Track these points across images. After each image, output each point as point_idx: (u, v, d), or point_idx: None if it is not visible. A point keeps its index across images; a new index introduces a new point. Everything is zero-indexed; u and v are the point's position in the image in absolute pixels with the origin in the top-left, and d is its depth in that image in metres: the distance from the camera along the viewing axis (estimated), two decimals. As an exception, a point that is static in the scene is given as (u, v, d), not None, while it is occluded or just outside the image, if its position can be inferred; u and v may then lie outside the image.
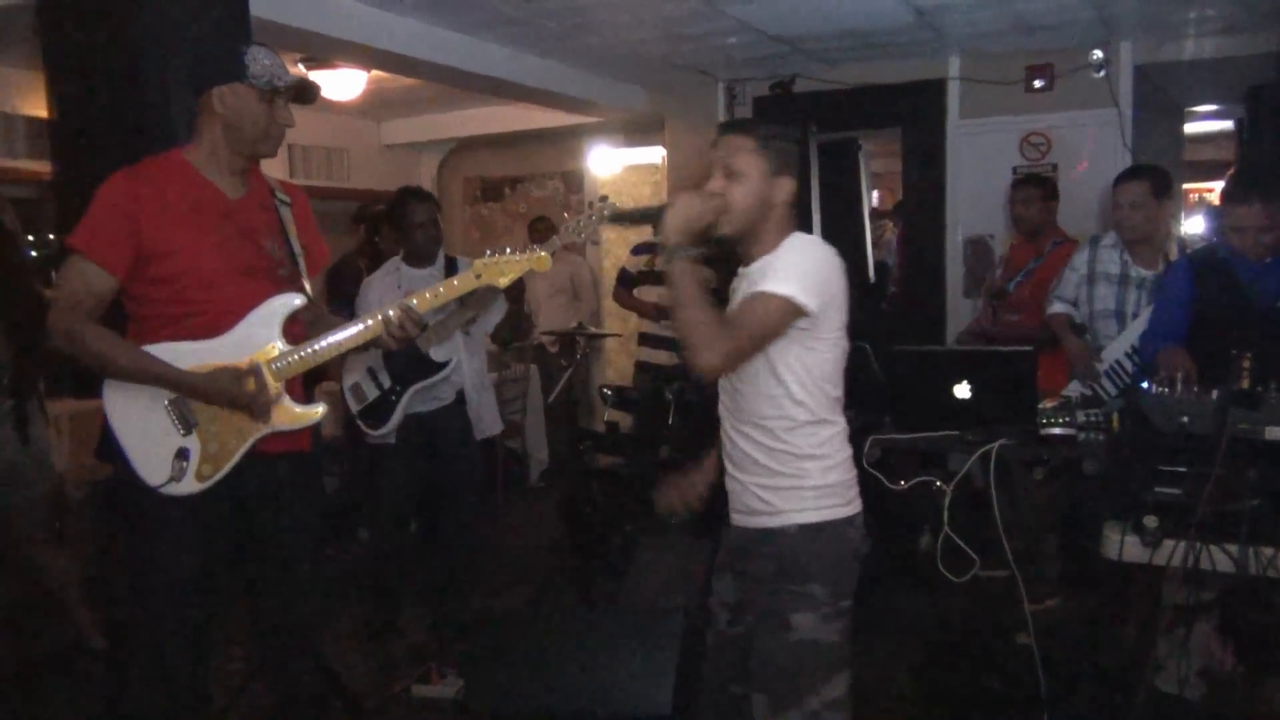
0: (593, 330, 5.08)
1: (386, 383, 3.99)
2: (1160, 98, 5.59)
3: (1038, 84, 5.73)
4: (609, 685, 3.01)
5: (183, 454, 2.43)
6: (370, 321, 2.48)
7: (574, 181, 8.35)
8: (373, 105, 7.25)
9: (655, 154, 7.69)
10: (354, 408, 4.02)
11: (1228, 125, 6.84)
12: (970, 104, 5.98)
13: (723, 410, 2.28)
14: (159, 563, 2.49)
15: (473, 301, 4.05)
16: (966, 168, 6.04)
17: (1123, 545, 2.50)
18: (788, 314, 2.02)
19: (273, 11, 4.20)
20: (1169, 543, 2.44)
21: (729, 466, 2.28)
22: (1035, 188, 4.77)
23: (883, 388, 2.90)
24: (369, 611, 4.33)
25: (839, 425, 2.21)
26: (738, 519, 2.26)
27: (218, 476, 2.45)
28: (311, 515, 2.70)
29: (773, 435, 2.15)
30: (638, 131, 7.49)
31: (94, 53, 3.10)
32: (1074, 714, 2.80)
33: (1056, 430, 2.87)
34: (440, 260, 4.18)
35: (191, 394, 2.41)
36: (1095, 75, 5.54)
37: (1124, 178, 3.77)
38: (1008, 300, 4.59)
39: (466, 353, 4.11)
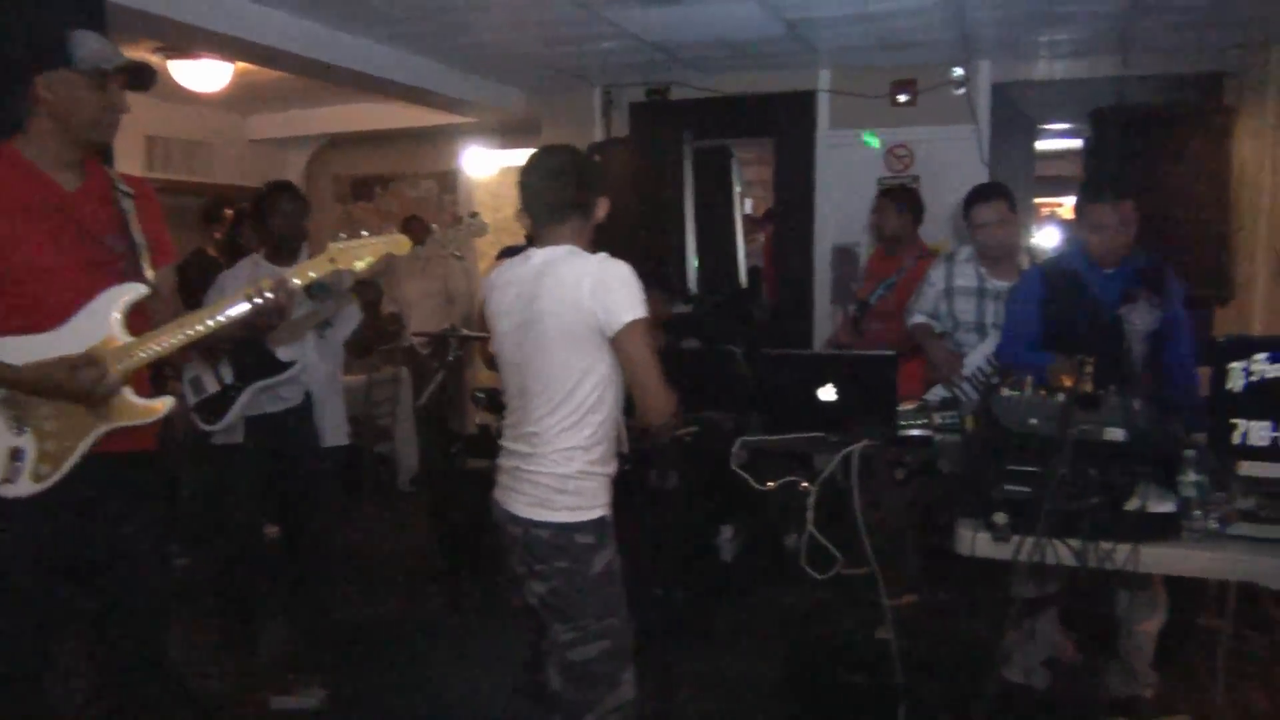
0: (465, 332, 5.01)
1: (228, 378, 3.85)
2: (1015, 115, 5.87)
3: (902, 98, 5.94)
4: (476, 693, 2.99)
5: (17, 454, 2.31)
6: (221, 309, 2.39)
7: (448, 182, 8.24)
8: (238, 98, 6.98)
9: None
10: (190, 400, 3.86)
11: (1076, 143, 7.24)
12: (839, 115, 6.16)
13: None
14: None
15: (327, 304, 3.95)
16: (835, 178, 6.21)
17: (974, 541, 2.60)
18: None
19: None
20: (1017, 538, 2.54)
21: None
22: (898, 200, 4.91)
23: (749, 390, 2.95)
24: (226, 621, 4.17)
25: None
26: None
27: (56, 477, 2.33)
28: (157, 518, 2.60)
29: None
30: (514, 133, 7.45)
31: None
32: (928, 704, 2.90)
33: (915, 432, 2.98)
34: (303, 258, 4.05)
35: (19, 387, 2.29)
36: (956, 92, 5.78)
37: (982, 197, 3.90)
38: (870, 312, 4.73)
39: (317, 355, 3.99)
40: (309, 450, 4.00)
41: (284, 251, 3.97)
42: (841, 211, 6.18)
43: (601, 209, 2.55)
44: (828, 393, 2.94)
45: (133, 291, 2.39)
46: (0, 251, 2.28)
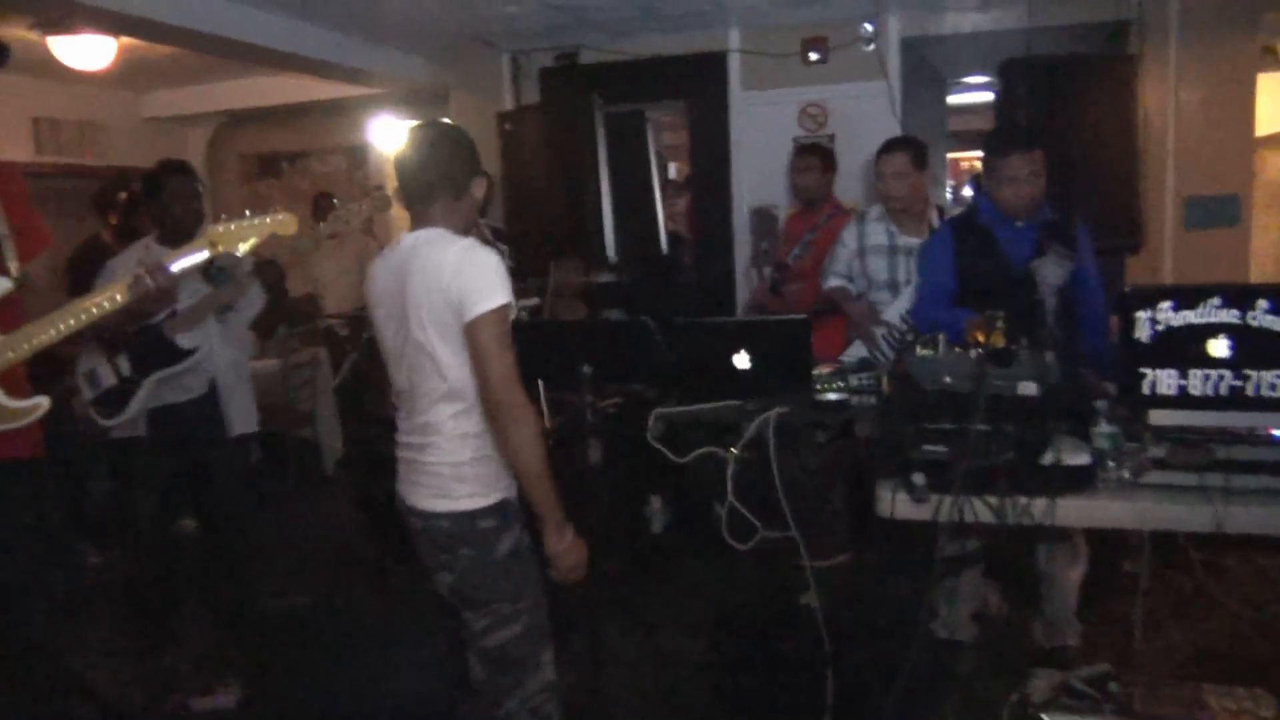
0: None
1: (126, 370, 3.67)
2: (925, 70, 5.86)
3: (813, 57, 5.89)
4: (399, 682, 2.91)
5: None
6: (100, 297, 2.25)
7: (358, 156, 8.01)
8: (131, 75, 6.69)
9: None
10: (87, 395, 3.68)
11: (988, 97, 7.27)
12: (751, 76, 6.09)
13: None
14: None
15: (226, 288, 3.79)
16: (750, 139, 6.16)
17: (894, 502, 2.58)
18: None
19: None
20: (936, 498, 2.52)
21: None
22: (813, 157, 4.86)
23: (667, 362, 2.88)
24: (141, 621, 4.01)
25: None
26: None
27: None
28: (35, 528, 2.45)
29: None
30: (424, 104, 7.24)
31: None
32: (856, 667, 2.89)
33: (832, 396, 2.94)
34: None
35: None
36: (866, 49, 5.75)
37: (885, 149, 3.91)
38: (789, 272, 4.69)
39: (220, 341, 3.84)
40: (216, 440, 3.87)
41: (178, 234, 3.80)
42: (758, 173, 6.13)
43: (478, 189, 2.42)
44: (742, 360, 2.89)
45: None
46: None
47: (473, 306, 2.22)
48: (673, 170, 8.51)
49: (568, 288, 5.22)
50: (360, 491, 4.80)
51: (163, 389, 3.71)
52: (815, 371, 2.99)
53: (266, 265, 3.76)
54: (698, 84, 6.18)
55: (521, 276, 6.13)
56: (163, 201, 3.75)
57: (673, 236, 6.61)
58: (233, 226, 2.36)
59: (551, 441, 3.41)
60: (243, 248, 2.38)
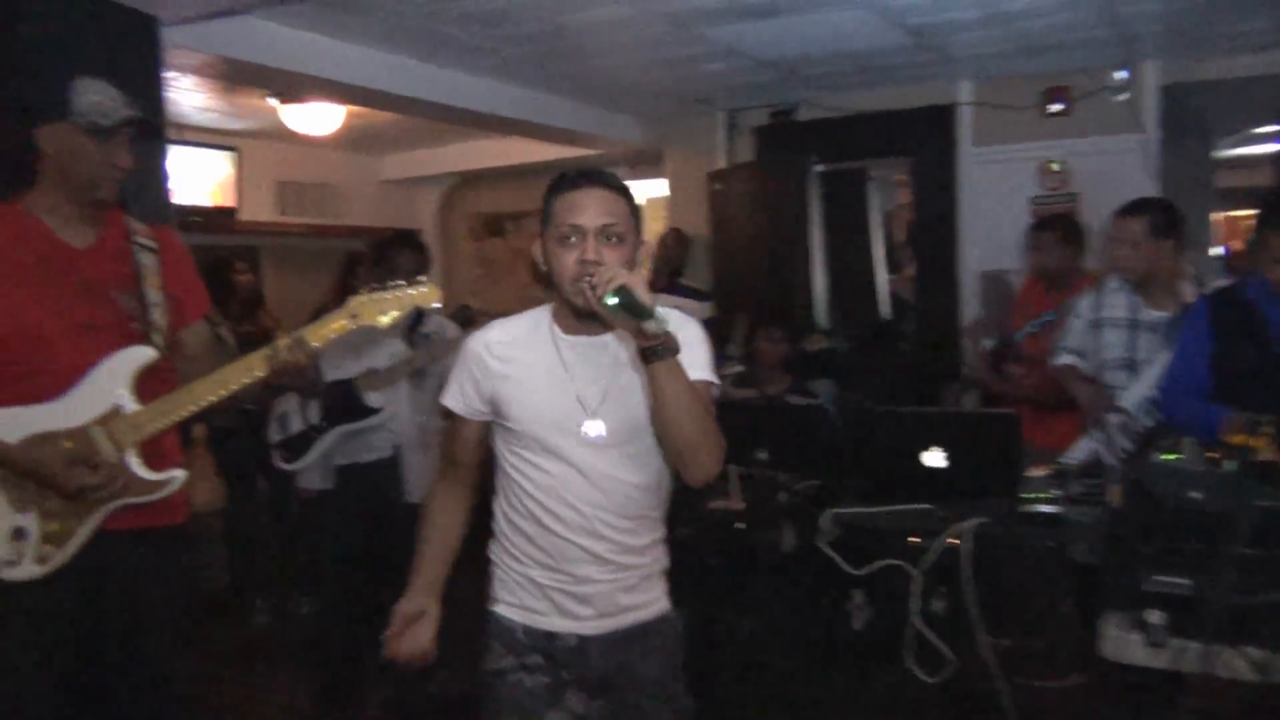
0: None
1: (314, 418, 3.72)
2: (1189, 121, 5.16)
3: (1054, 108, 5.33)
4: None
5: (20, 533, 2.15)
6: (239, 369, 2.19)
7: (578, 216, 8.03)
8: (369, 139, 7.03)
9: (661, 187, 7.35)
10: (275, 436, 3.76)
11: (1265, 149, 6.38)
12: (983, 130, 5.59)
13: (577, 509, 1.94)
14: (5, 661, 2.19)
15: (423, 351, 3.77)
16: (980, 198, 5.64)
17: (1123, 644, 2.11)
18: None
19: (237, 49, 3.99)
20: (1178, 643, 2.03)
21: (578, 568, 1.95)
22: (1052, 231, 4.20)
23: (844, 452, 2.52)
24: (325, 677, 3.99)
25: None
26: (599, 623, 1.97)
27: (60, 559, 2.16)
28: (180, 600, 2.39)
29: (656, 523, 2.01)
30: (642, 164, 7.18)
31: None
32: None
33: (1044, 507, 2.46)
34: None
35: (12, 466, 2.12)
36: (1117, 98, 5.13)
37: (1121, 213, 3.36)
38: (1014, 349, 4.14)
39: (410, 406, 3.82)
40: (395, 505, 3.82)
41: None
42: (990, 235, 5.59)
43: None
44: (935, 457, 2.48)
45: (140, 357, 2.21)
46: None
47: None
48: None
49: (772, 356, 4.90)
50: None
51: (348, 444, 3.75)
52: (1028, 474, 2.52)
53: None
54: (923, 140, 5.74)
55: (724, 342, 5.89)
56: (390, 271, 3.77)
57: (896, 301, 6.16)
58: (375, 297, 2.24)
59: (744, 524, 3.08)
60: (384, 320, 2.25)
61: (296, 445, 3.74)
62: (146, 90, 3.12)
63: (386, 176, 7.84)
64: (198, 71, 4.44)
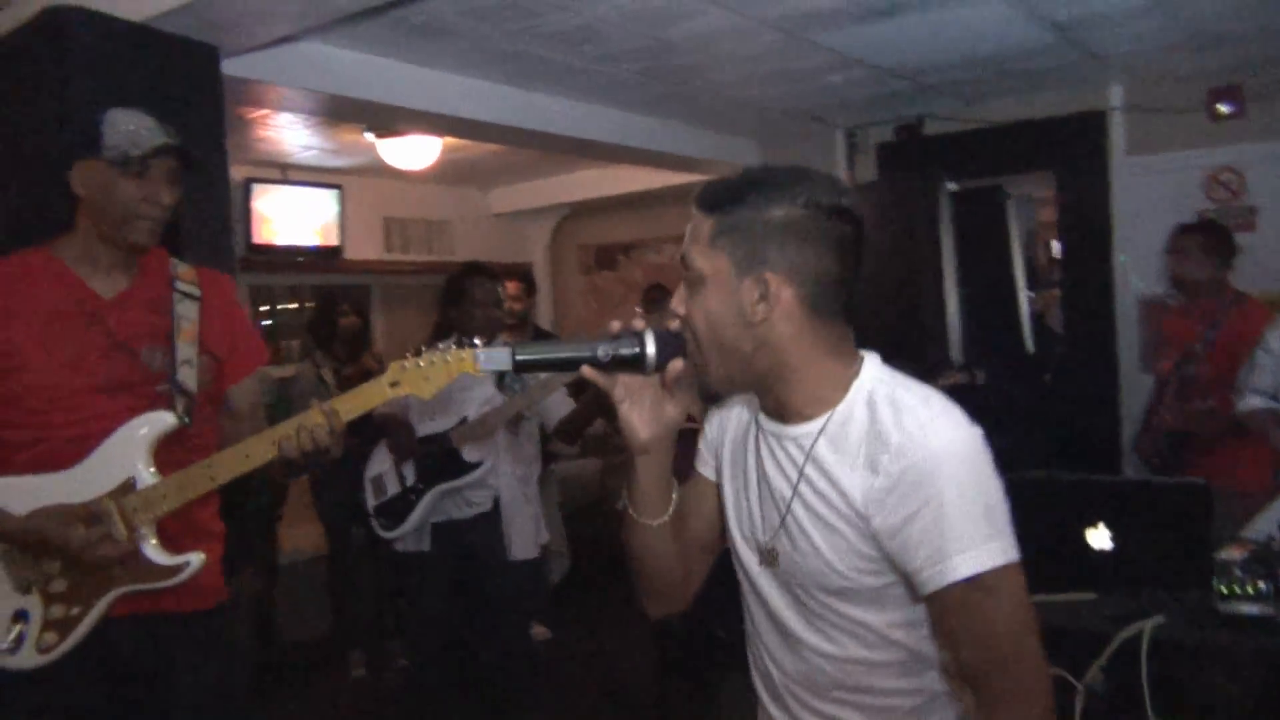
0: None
1: (410, 479, 3.49)
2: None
3: (1224, 110, 4.68)
4: None
5: (21, 616, 1.91)
6: (259, 444, 1.90)
7: (693, 245, 7.69)
8: (476, 173, 6.86)
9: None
10: (370, 503, 3.56)
11: None
12: (1139, 138, 4.97)
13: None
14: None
15: (517, 397, 3.49)
16: (1137, 214, 5.01)
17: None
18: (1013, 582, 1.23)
19: (330, 84, 3.83)
20: None
21: None
22: (1193, 236, 3.83)
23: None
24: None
25: None
26: None
27: (64, 648, 1.91)
28: (216, 690, 2.10)
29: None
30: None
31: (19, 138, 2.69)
32: None
33: (1244, 607, 1.93)
34: (497, 344, 3.61)
35: (15, 540, 1.89)
36: (1301, 95, 4.48)
37: None
38: (1189, 386, 3.59)
39: (508, 456, 3.55)
40: (494, 564, 3.54)
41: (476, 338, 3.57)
42: (1149, 256, 4.95)
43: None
44: (1100, 537, 1.99)
45: (159, 424, 1.95)
46: (13, 373, 1.92)
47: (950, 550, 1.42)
48: (1057, 249, 7.36)
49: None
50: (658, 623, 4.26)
51: (445, 502, 3.52)
52: (1220, 555, 2.00)
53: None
54: (1069, 151, 5.16)
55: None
56: (465, 303, 3.60)
57: (1039, 330, 5.57)
58: (420, 364, 1.91)
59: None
60: (427, 391, 1.93)
61: (395, 510, 3.53)
62: (210, 125, 2.92)
63: (495, 210, 7.66)
64: (288, 108, 4.29)
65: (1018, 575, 1.21)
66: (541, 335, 5.63)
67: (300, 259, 6.15)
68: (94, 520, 1.86)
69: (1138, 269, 5.02)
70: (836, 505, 1.27)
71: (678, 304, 1.34)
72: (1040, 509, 2.12)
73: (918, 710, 1.33)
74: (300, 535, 5.46)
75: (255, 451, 1.90)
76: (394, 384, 1.92)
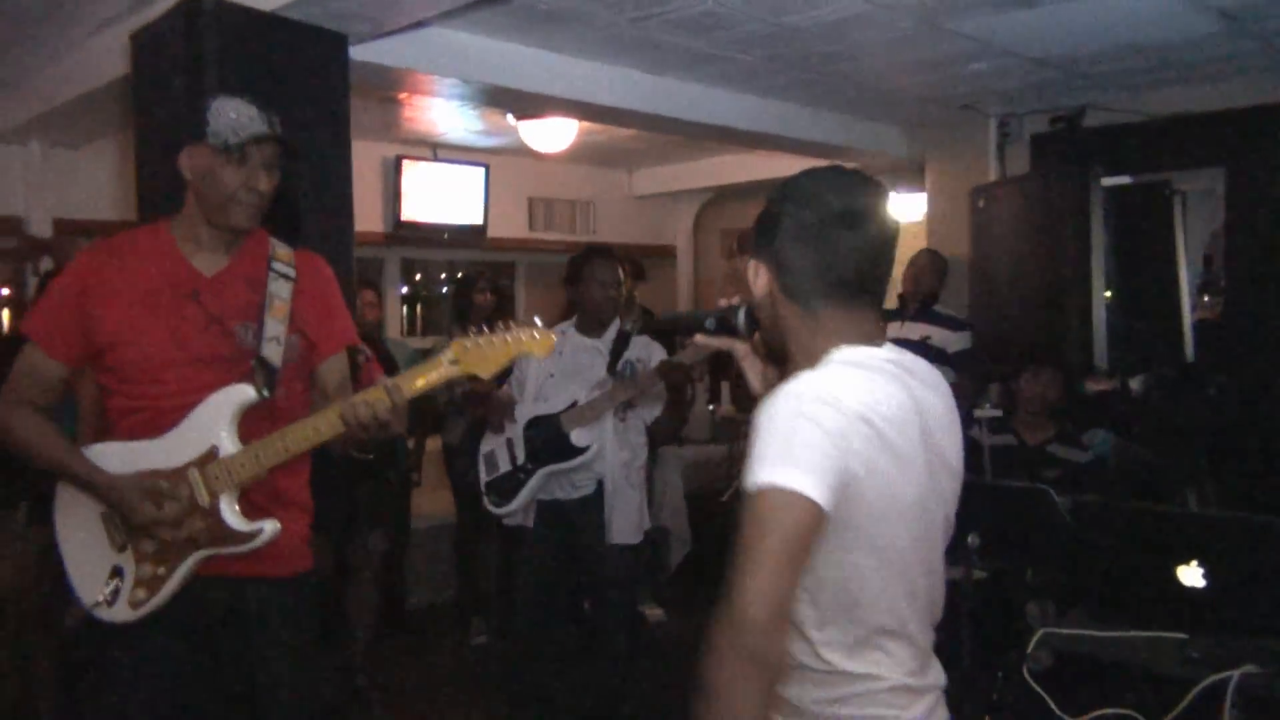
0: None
1: (520, 458, 3.58)
2: None
3: None
4: None
5: (117, 572, 2.07)
6: (320, 419, 1.99)
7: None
8: (618, 154, 6.91)
9: (918, 201, 6.67)
10: (483, 478, 3.67)
11: None
12: (1324, 133, 4.55)
13: None
14: (110, 708, 2.12)
15: (627, 383, 3.52)
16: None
17: None
18: (774, 507, 1.23)
19: (476, 71, 3.97)
20: None
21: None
22: None
23: (1070, 548, 1.94)
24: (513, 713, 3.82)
25: (878, 679, 1.36)
26: None
27: (153, 604, 2.05)
28: (296, 655, 2.22)
29: None
30: (900, 176, 6.57)
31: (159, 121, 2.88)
32: None
33: (1347, 663, 1.76)
34: (613, 331, 3.68)
35: (106, 502, 2.05)
36: None
37: None
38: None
39: (615, 442, 3.59)
40: (596, 546, 3.60)
41: (593, 322, 3.65)
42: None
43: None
44: (1192, 574, 1.84)
45: (240, 396, 2.06)
46: (121, 345, 2.06)
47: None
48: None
49: (1036, 398, 4.22)
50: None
51: (552, 482, 3.60)
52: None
53: (675, 367, 3.43)
54: (1241, 146, 4.77)
55: (985, 380, 5.19)
56: (583, 283, 3.66)
57: (1208, 340, 5.18)
58: (481, 343, 1.96)
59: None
60: (486, 371, 1.98)
61: (505, 487, 3.64)
62: (336, 110, 3.04)
63: (638, 192, 7.70)
64: (422, 92, 4.43)
65: (779, 501, 1.23)
66: (648, 315, 5.66)
67: (446, 236, 6.35)
68: (170, 495, 1.99)
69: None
70: None
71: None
72: (1132, 541, 1.98)
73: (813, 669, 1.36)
74: (437, 500, 5.66)
75: (323, 424, 1.98)
76: (454, 362, 1.98)
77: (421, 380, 1.97)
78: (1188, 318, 5.12)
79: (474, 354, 1.96)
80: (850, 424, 1.28)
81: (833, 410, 1.27)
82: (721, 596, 1.22)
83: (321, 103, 2.94)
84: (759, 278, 1.46)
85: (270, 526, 2.03)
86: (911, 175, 6.12)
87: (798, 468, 1.23)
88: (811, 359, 1.39)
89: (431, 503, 5.63)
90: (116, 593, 2.05)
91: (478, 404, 3.70)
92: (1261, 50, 4.11)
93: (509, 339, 1.96)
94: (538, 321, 2.00)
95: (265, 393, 2.06)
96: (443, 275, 7.36)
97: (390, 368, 4.53)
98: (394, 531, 4.63)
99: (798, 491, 1.22)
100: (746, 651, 1.17)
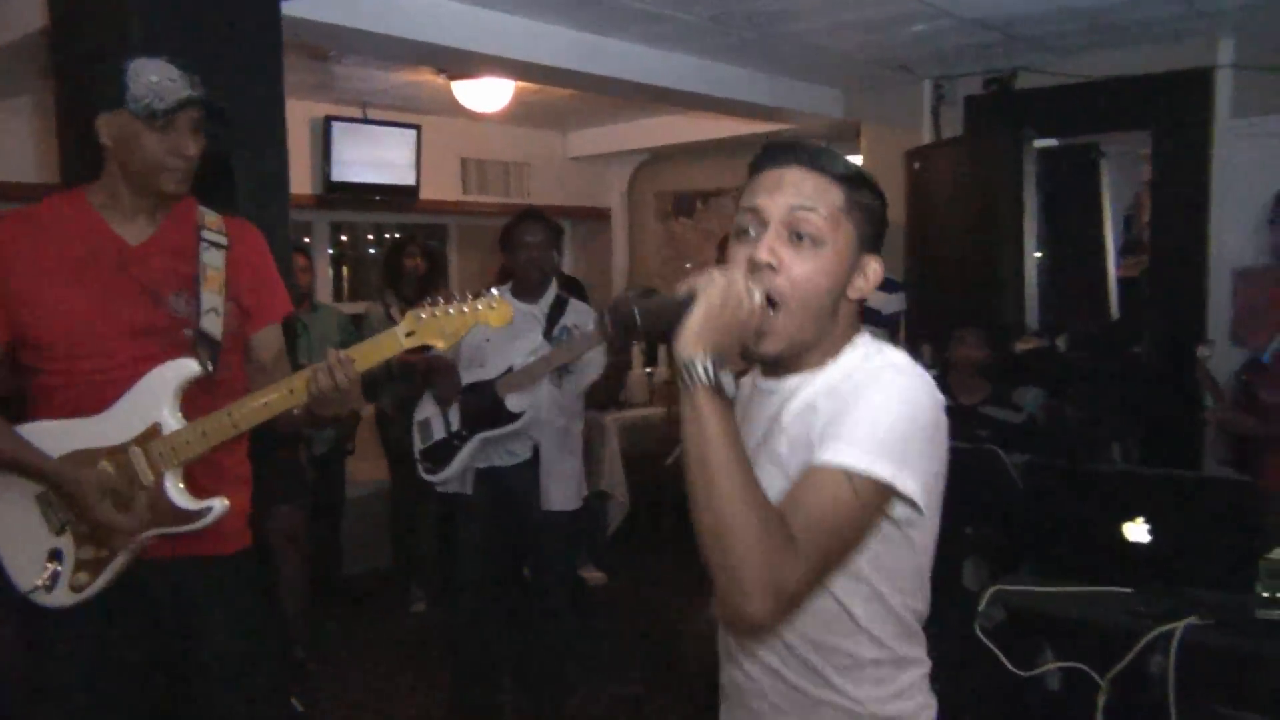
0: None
1: (455, 424, 3.54)
2: None
3: (1347, 68, 4.36)
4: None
5: (55, 556, 1.99)
6: (276, 392, 1.94)
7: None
8: (553, 115, 6.80)
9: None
10: (417, 445, 3.63)
11: None
12: (1247, 99, 4.66)
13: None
14: (48, 693, 2.05)
15: (563, 349, 3.49)
16: (1240, 180, 4.72)
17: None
18: (875, 503, 1.20)
19: (410, 28, 3.85)
20: None
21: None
22: None
23: (1020, 507, 1.98)
24: (457, 682, 3.80)
25: (923, 664, 1.37)
26: None
27: (94, 588, 1.98)
28: (242, 632, 2.16)
29: (819, 678, 1.32)
30: (837, 139, 6.60)
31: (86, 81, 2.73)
32: None
33: (1284, 613, 1.83)
34: (550, 295, 3.65)
35: (48, 483, 1.96)
36: None
37: None
38: (1265, 373, 3.38)
39: (551, 407, 3.57)
40: (531, 513, 3.59)
41: (528, 287, 3.61)
42: (1248, 225, 4.67)
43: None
44: (1137, 530, 1.90)
45: (184, 370, 1.98)
46: (46, 319, 1.97)
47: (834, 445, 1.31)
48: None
49: (969, 360, 4.30)
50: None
51: (488, 449, 3.58)
52: (1268, 557, 1.89)
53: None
54: (1168, 110, 4.88)
55: (918, 343, 5.27)
56: (514, 252, 3.63)
57: (1128, 299, 5.32)
58: (438, 314, 1.92)
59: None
60: (442, 343, 1.94)
61: (439, 454, 3.60)
62: (268, 67, 2.92)
63: (573, 154, 7.60)
64: (356, 49, 4.30)
65: (871, 497, 1.18)
66: (571, 283, 5.62)
67: (378, 198, 6.21)
68: (114, 465, 1.92)
69: (1233, 237, 4.75)
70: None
71: (768, 254, 1.29)
72: (1077, 500, 2.03)
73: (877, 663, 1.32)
74: (371, 468, 5.59)
75: (274, 399, 1.93)
76: (409, 334, 1.94)
77: (376, 352, 1.92)
78: (1113, 276, 5.26)
79: (430, 325, 1.91)
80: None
81: (940, 410, 1.27)
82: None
83: (253, 58, 2.82)
84: (869, 276, 1.35)
85: (219, 504, 1.97)
86: (847, 137, 6.14)
87: (914, 479, 1.19)
88: (835, 347, 1.35)
89: (366, 471, 5.56)
90: (56, 577, 1.97)
91: (426, 374, 3.63)
92: (1193, 15, 4.19)
93: (465, 309, 1.92)
94: (495, 292, 1.96)
95: (209, 367, 1.99)
96: (369, 236, 7.21)
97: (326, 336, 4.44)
98: (308, 504, 4.50)
99: (906, 496, 1.20)
100: (756, 626, 1.13)
